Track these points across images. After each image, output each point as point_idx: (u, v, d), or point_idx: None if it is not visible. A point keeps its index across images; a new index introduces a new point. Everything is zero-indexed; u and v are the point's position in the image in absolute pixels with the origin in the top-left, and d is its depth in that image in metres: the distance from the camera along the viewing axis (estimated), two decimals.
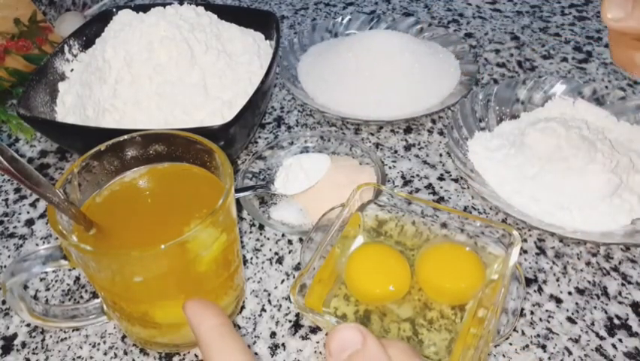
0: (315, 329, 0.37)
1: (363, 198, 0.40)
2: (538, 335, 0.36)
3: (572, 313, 0.38)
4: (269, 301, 0.39)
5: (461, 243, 0.38)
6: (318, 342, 0.36)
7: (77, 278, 0.41)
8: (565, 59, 0.66)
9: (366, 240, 0.39)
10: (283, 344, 0.36)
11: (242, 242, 0.43)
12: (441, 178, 0.49)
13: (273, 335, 0.37)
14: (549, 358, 0.35)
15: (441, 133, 0.54)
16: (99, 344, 0.37)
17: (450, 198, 0.47)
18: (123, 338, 0.37)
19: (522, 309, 0.38)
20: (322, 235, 0.37)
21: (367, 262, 0.37)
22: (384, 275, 0.36)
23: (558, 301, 0.38)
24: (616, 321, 0.37)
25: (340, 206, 0.39)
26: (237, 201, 0.44)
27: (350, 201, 0.38)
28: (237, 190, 0.44)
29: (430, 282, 0.36)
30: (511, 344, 0.36)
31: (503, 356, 0.35)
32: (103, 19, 0.54)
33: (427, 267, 0.36)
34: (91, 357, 0.36)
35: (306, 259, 0.37)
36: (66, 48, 0.54)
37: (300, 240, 0.43)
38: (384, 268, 0.36)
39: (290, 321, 0.37)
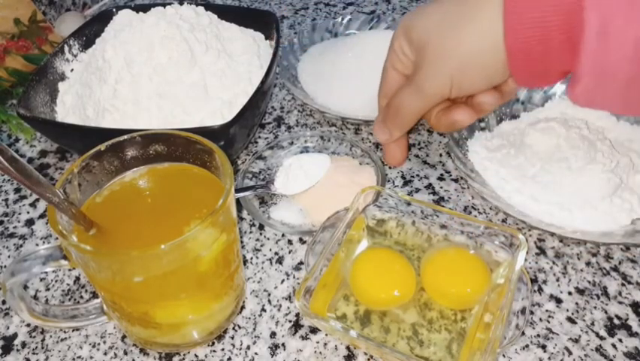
0: (315, 329, 0.37)
1: (366, 201, 0.39)
2: (539, 335, 0.36)
3: (572, 314, 0.38)
4: (269, 301, 0.39)
5: (466, 246, 0.38)
6: (318, 342, 0.36)
7: (77, 278, 0.41)
8: None
9: (370, 243, 0.39)
10: (283, 344, 0.36)
11: (242, 242, 0.43)
12: (441, 178, 0.49)
13: (273, 335, 0.37)
14: (549, 358, 0.35)
15: (441, 133, 0.54)
16: (99, 344, 0.37)
17: (450, 198, 0.47)
18: (123, 338, 0.37)
19: (531, 312, 0.37)
20: (326, 239, 0.37)
21: (372, 266, 0.36)
22: (390, 280, 0.36)
23: (558, 301, 0.38)
24: (616, 321, 0.37)
25: (344, 210, 0.39)
26: (237, 201, 0.44)
27: (354, 204, 0.38)
28: (237, 190, 0.44)
29: (436, 287, 0.36)
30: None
31: (503, 356, 0.35)
32: (103, 19, 0.54)
33: (433, 272, 0.36)
34: (91, 357, 0.36)
35: (310, 262, 0.37)
36: (66, 48, 0.54)
37: (301, 240, 0.43)
38: (389, 273, 0.36)
39: (290, 321, 0.37)
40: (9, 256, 0.43)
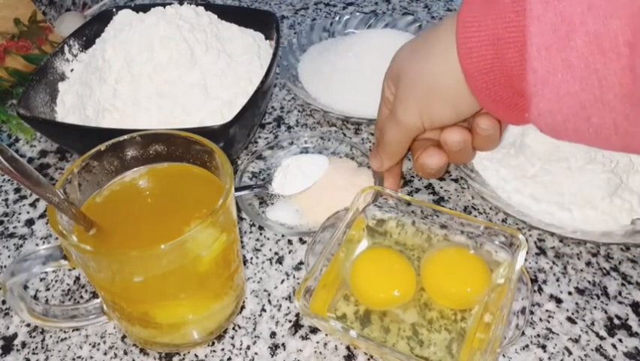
0: (315, 329, 0.37)
1: (366, 201, 0.39)
2: (538, 335, 0.36)
3: (572, 314, 0.38)
4: (269, 301, 0.39)
5: (466, 246, 0.38)
6: (318, 342, 0.36)
7: (77, 278, 0.41)
8: None
9: (370, 243, 0.39)
10: (283, 344, 0.36)
11: (242, 242, 0.43)
12: (441, 178, 0.49)
13: (273, 335, 0.37)
14: (549, 358, 0.35)
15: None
16: (99, 344, 0.37)
17: (450, 198, 0.47)
18: (123, 338, 0.37)
19: (531, 312, 0.37)
20: (326, 239, 0.37)
21: (372, 266, 0.36)
22: (389, 280, 0.36)
23: (558, 301, 0.38)
24: (616, 321, 0.37)
25: (344, 210, 0.38)
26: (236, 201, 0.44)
27: (354, 204, 0.38)
28: (234, 190, 0.44)
29: (436, 287, 0.36)
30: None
31: (503, 356, 0.35)
32: (103, 19, 0.54)
33: (433, 272, 0.36)
34: (91, 357, 0.36)
35: (310, 262, 0.37)
36: (66, 48, 0.54)
37: (301, 240, 0.43)
38: (389, 273, 0.36)
39: (290, 321, 0.37)
40: (9, 256, 0.43)
